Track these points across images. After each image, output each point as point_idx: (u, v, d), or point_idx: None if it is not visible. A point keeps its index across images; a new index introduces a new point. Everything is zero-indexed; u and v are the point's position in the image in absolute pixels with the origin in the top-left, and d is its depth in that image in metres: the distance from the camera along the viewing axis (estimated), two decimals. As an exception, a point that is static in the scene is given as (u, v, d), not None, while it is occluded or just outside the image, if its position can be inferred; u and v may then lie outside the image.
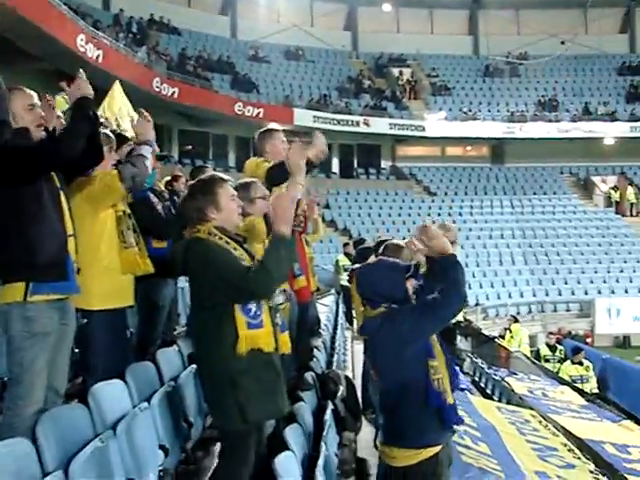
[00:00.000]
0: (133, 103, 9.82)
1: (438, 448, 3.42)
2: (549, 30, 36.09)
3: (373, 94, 33.59)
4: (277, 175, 4.35)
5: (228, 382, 3.22)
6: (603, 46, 36.00)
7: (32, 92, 3.62)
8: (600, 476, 5.96)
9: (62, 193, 3.55)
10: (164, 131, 27.59)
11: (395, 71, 35.85)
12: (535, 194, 32.29)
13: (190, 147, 29.73)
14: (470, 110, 33.55)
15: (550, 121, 33.20)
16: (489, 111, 34.15)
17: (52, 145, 3.42)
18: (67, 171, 3.69)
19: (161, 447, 3.79)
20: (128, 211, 4.27)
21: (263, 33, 33.99)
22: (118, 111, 9.34)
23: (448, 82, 35.84)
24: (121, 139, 4.90)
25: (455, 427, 6.08)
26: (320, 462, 3.87)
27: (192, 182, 3.64)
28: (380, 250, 4.99)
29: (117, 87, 9.98)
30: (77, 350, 4.06)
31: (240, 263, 3.23)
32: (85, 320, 3.89)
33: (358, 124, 31.17)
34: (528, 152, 32.94)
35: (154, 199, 4.80)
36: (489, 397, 10.93)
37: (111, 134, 4.29)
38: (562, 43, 36.01)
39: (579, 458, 6.38)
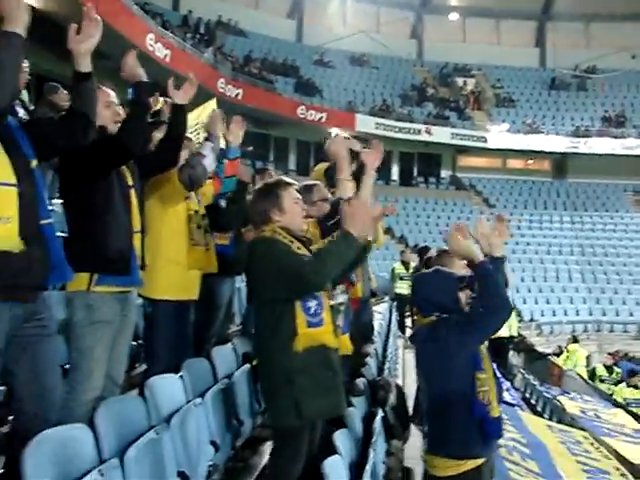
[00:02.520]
0: (198, 104, 9.83)
1: (481, 461, 3.42)
2: (619, 44, 35.24)
3: (436, 103, 33.42)
4: (332, 174, 4.43)
5: (285, 379, 3.27)
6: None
7: (110, 90, 3.73)
8: (651, 503, 5.82)
9: (133, 190, 3.66)
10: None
11: (459, 81, 35.62)
12: (596, 211, 31.68)
13: (251, 148, 29.99)
14: (534, 123, 33.09)
15: (616, 137, 32.51)
16: (553, 125, 33.62)
17: (115, 138, 3.52)
18: (143, 169, 3.80)
19: (212, 443, 3.85)
20: (202, 211, 4.37)
21: (329, 38, 34.10)
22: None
23: (513, 94, 35.45)
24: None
25: (502, 442, 6.07)
26: (368, 468, 3.88)
27: (258, 186, 3.71)
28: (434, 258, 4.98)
29: (212, 102, 9.74)
30: (140, 341, 4.15)
31: (300, 256, 3.28)
32: (150, 309, 3.99)
33: (420, 132, 31.06)
34: (591, 168, 32.33)
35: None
36: (539, 415, 10.78)
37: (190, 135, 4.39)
38: (633, 57, 35.28)
39: (631, 483, 6.25)
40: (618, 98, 35.53)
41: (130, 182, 3.64)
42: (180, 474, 3.34)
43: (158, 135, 4.07)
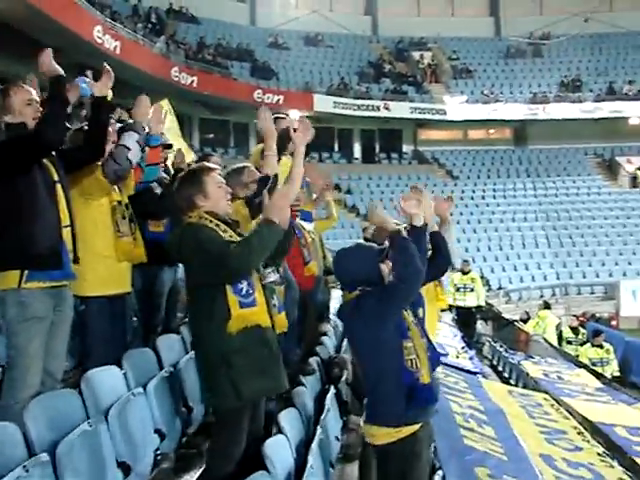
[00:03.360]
0: (152, 94, 9.63)
1: (416, 427, 3.45)
2: (572, 9, 35.50)
3: (394, 78, 33.40)
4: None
5: (221, 361, 3.29)
6: (627, 23, 35.41)
7: (31, 88, 3.73)
8: (608, 459, 5.93)
9: (60, 185, 3.65)
10: (184, 120, 27.73)
11: (416, 55, 35.60)
12: (559, 176, 31.98)
13: (211, 135, 29.84)
14: (492, 92, 33.25)
15: (573, 102, 32.79)
16: (511, 93, 33.79)
17: (33, 133, 3.50)
18: (67, 163, 3.79)
19: (157, 431, 3.86)
20: (125, 201, 4.33)
21: (282, 20, 33.93)
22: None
23: (470, 65, 35.54)
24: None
25: (459, 409, 6.14)
26: (314, 446, 3.91)
27: (181, 173, 3.72)
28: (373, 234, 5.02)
29: (165, 103, 9.52)
30: (75, 337, 4.13)
31: (224, 240, 3.31)
32: (83, 306, 3.96)
33: (379, 109, 31.07)
34: (551, 134, 32.64)
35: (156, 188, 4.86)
36: (506, 381, 10.93)
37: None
38: (585, 21, 35.55)
39: (588, 441, 6.35)
40: (573, 63, 35.82)
41: (55, 177, 3.64)
42: (121, 464, 3.35)
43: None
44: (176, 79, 24.01)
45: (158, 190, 4.84)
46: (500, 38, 37.27)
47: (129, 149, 4.21)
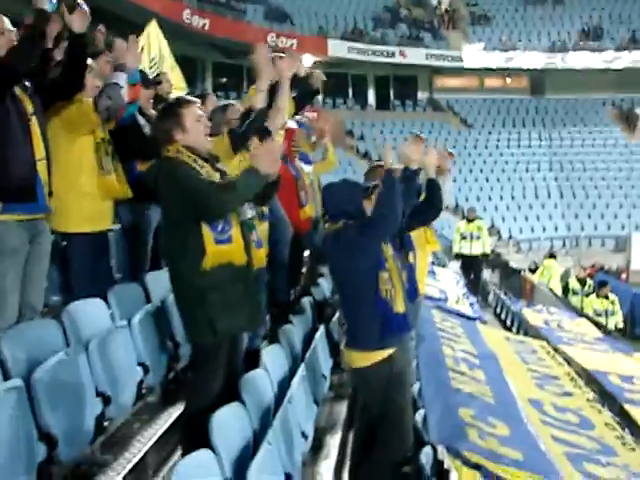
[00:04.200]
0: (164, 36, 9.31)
1: (390, 351, 3.69)
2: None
3: (410, 24, 32.83)
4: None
5: (197, 297, 3.31)
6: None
7: (3, 17, 3.65)
8: (597, 404, 5.95)
9: (35, 117, 3.63)
10: (197, 64, 27.48)
11: (433, 0, 34.86)
12: (575, 126, 31.60)
13: (224, 80, 29.55)
14: (510, 40, 32.61)
15: (593, 51, 32.12)
16: (529, 41, 33.18)
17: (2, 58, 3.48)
18: (47, 94, 3.77)
19: (141, 365, 3.90)
20: (107, 137, 4.31)
21: (298, -38, 33.24)
22: (157, 54, 8.70)
23: (488, 11, 34.86)
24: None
25: (450, 353, 6.18)
26: (294, 381, 3.96)
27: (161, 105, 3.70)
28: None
29: (153, 27, 9.09)
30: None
31: (204, 178, 3.29)
32: (64, 243, 3.98)
33: (394, 55, 30.66)
34: (569, 83, 32.11)
35: (142, 121, 4.81)
36: (509, 329, 10.98)
37: (91, 61, 4.28)
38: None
39: (580, 387, 6.38)
40: (596, 10, 34.96)
41: (30, 109, 3.61)
42: (100, 394, 3.41)
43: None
44: (187, 22, 23.71)
45: (147, 129, 4.80)
46: (520, -17, 36.40)
47: (121, 87, 4.18)
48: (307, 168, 6.33)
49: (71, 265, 4.09)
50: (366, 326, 3.70)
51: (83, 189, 4.07)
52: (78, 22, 3.72)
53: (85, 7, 3.75)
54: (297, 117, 6.02)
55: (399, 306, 3.72)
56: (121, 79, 4.23)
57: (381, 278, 3.67)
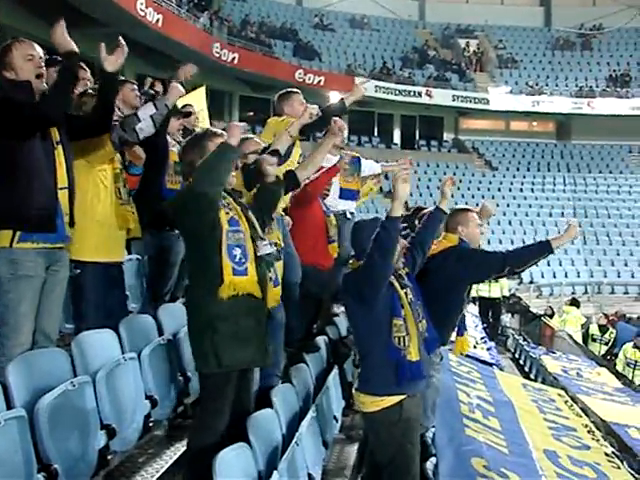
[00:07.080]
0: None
1: (400, 397, 3.66)
2: (625, 0, 34.55)
3: (438, 65, 33.01)
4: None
5: (208, 325, 3.29)
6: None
7: (33, 43, 3.66)
8: (616, 459, 5.80)
9: (61, 146, 3.62)
10: (225, 97, 27.79)
11: (462, 42, 35.04)
12: (600, 172, 31.42)
13: (251, 113, 29.82)
14: (537, 84, 32.66)
15: (621, 97, 32.05)
16: (557, 85, 33.17)
17: (37, 104, 3.48)
18: (73, 133, 3.76)
19: (149, 398, 3.85)
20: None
21: (329, 1, 33.64)
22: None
23: (516, 54, 34.95)
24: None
25: (465, 399, 6.06)
26: (304, 422, 3.88)
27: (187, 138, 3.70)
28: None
29: (202, 91, 9.59)
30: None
31: None
32: (78, 270, 3.96)
33: (420, 95, 30.76)
34: (596, 129, 31.99)
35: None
36: (527, 375, 10.79)
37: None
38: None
39: (597, 440, 6.22)
40: (624, 57, 34.96)
41: (56, 138, 3.62)
42: (105, 427, 3.35)
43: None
44: (217, 55, 24.01)
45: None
46: (549, 28, 36.49)
47: (139, 120, 4.19)
48: (351, 205, 6.30)
49: (84, 294, 4.06)
50: (378, 371, 3.69)
51: (99, 218, 4.07)
52: (114, 61, 3.70)
53: (125, 46, 3.73)
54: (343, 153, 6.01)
55: (413, 354, 3.66)
56: (144, 112, 4.25)
57: (395, 325, 3.64)
